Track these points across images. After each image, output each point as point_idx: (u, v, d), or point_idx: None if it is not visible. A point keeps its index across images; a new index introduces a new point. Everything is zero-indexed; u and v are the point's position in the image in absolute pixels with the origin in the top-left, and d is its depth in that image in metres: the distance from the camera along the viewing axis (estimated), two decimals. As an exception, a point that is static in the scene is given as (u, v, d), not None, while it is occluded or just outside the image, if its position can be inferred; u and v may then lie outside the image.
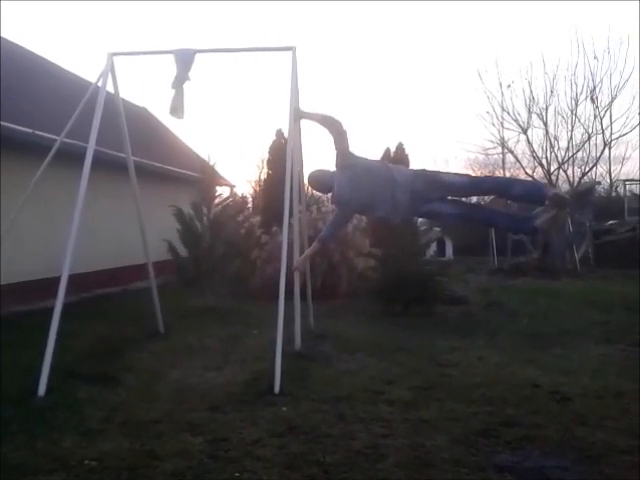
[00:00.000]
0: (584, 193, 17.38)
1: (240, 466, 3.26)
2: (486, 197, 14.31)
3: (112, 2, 36.27)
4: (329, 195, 5.44)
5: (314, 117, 5.43)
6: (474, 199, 12.83)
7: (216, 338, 6.59)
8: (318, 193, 9.35)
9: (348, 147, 5.02)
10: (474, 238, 18.49)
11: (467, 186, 4.69)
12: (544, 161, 16.60)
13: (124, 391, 4.64)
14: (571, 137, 16.55)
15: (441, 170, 5.02)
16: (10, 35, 16.39)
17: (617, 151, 22.38)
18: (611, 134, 16.89)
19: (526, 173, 18.35)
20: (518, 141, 17.46)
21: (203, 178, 9.52)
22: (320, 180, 5.32)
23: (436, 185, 4.63)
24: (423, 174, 4.78)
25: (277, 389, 4.51)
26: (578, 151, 16.57)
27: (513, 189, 4.66)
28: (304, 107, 5.71)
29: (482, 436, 3.70)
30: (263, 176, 14.38)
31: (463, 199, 4.90)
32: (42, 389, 4.46)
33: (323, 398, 4.42)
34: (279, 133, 12.53)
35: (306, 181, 6.11)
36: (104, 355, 5.73)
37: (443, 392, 4.65)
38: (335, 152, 5.03)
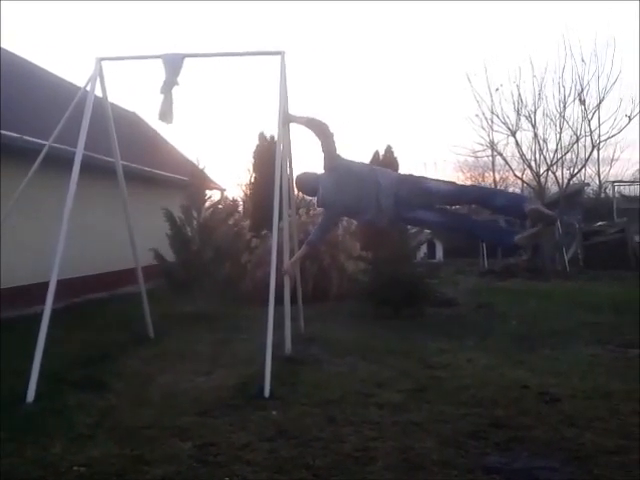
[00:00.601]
0: (573, 195, 17.50)
1: (229, 470, 3.26)
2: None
3: (101, 6, 36.21)
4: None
5: (301, 120, 5.45)
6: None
7: (206, 343, 6.57)
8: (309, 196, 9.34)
9: (335, 149, 5.03)
10: (464, 240, 18.55)
11: (451, 195, 4.67)
12: (533, 163, 16.66)
13: (113, 397, 4.62)
14: (559, 139, 16.63)
15: (428, 176, 4.99)
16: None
17: (606, 153, 22.54)
18: (599, 136, 16.98)
19: (515, 175, 18.45)
20: (507, 144, 17.53)
21: (192, 182, 9.49)
22: (306, 182, 5.36)
23: (420, 191, 4.61)
24: (408, 179, 4.76)
25: (267, 393, 4.51)
26: (567, 153, 16.65)
27: (495, 201, 4.64)
28: (294, 110, 5.74)
29: (471, 438, 3.71)
30: (253, 180, 14.39)
31: (449, 207, 4.89)
32: (31, 395, 4.44)
33: (313, 402, 4.42)
34: (262, 137, 12.56)
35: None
36: (94, 360, 5.71)
37: (433, 394, 4.65)
38: (322, 154, 5.05)
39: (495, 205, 4.68)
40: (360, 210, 4.87)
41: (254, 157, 13.06)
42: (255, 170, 13.03)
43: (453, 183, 5.04)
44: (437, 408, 4.30)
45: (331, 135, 5.05)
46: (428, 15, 40.79)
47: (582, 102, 16.29)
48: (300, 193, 7.15)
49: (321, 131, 5.08)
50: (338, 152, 5.08)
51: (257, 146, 12.83)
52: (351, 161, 5.09)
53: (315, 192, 5.24)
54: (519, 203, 4.56)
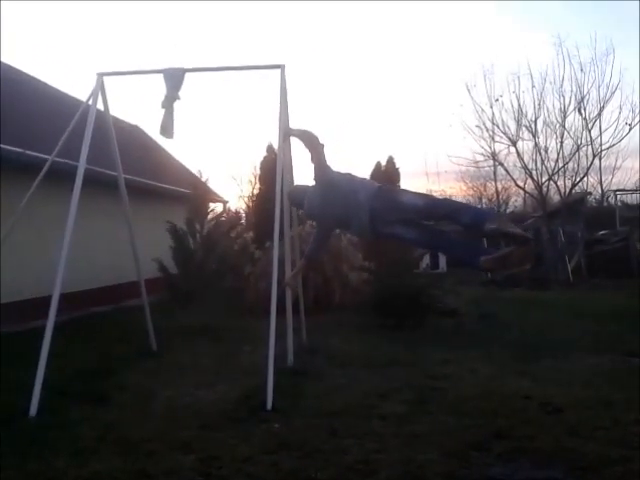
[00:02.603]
0: (575, 204, 17.48)
1: (232, 484, 3.27)
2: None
3: (102, 21, 36.49)
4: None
5: (294, 132, 5.51)
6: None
7: (209, 355, 6.58)
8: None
9: (324, 161, 5.04)
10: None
11: (423, 209, 4.51)
12: (534, 173, 16.67)
13: (116, 410, 4.63)
14: (561, 148, 16.64)
15: (406, 189, 4.96)
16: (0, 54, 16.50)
17: (607, 161, 22.48)
18: (601, 145, 16.99)
19: (517, 185, 18.45)
20: (508, 153, 17.54)
21: (195, 194, 9.54)
22: (293, 195, 5.44)
23: (394, 205, 4.54)
24: (384, 193, 4.68)
25: (269, 405, 4.51)
26: (568, 162, 16.65)
27: (462, 218, 4.31)
28: (295, 122, 5.80)
29: (474, 449, 3.70)
30: (256, 191, 14.45)
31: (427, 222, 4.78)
32: (34, 409, 4.44)
33: (315, 413, 4.43)
34: (270, 148, 12.59)
35: None
36: (96, 374, 5.71)
37: (435, 405, 4.65)
38: (312, 166, 5.08)
39: (461, 223, 4.34)
40: (348, 223, 4.85)
41: (260, 169, 13.10)
42: (261, 182, 13.07)
43: (428, 197, 4.98)
44: (440, 419, 4.30)
45: (321, 147, 5.06)
46: (427, 25, 41.01)
47: (580, 113, 16.36)
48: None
49: (310, 142, 5.12)
50: (328, 164, 5.09)
51: (264, 157, 12.87)
52: (338, 172, 5.08)
53: (302, 204, 5.28)
54: (482, 221, 4.23)
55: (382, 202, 4.58)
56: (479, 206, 23.04)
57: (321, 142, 5.10)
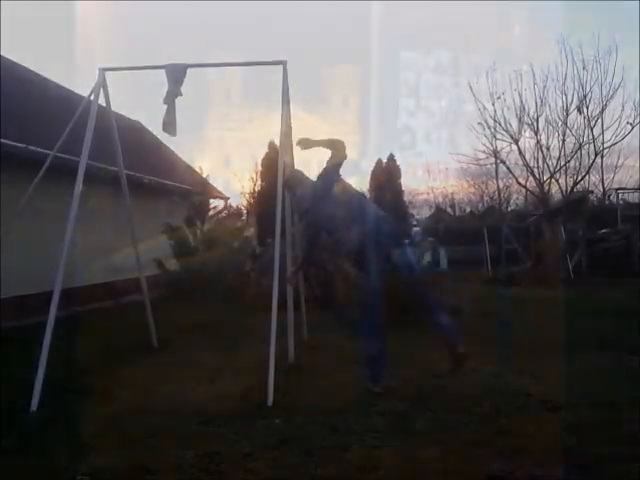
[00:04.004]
0: (576, 202, 17.47)
1: (233, 479, 3.26)
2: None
3: (104, 17, 36.40)
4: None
5: (321, 143, 5.35)
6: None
7: (210, 351, 6.58)
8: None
9: (338, 167, 5.07)
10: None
11: (410, 286, 5.31)
12: (536, 171, 16.65)
13: (117, 405, 4.63)
14: (562, 146, 16.61)
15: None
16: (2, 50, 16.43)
17: (609, 160, 22.44)
18: (603, 143, 16.97)
19: (518, 183, 18.43)
20: (510, 151, 17.52)
21: (196, 191, 9.55)
22: (289, 180, 5.48)
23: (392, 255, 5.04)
24: (386, 225, 5.03)
25: (270, 402, 4.51)
26: (569, 160, 16.63)
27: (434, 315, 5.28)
28: (294, 118, 5.79)
29: (474, 446, 3.69)
30: (257, 188, 14.44)
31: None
32: (35, 404, 4.45)
33: (316, 410, 4.41)
34: (271, 145, 12.57)
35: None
36: (97, 369, 5.71)
37: (436, 403, 4.64)
38: (325, 165, 5.08)
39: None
40: (332, 229, 5.05)
41: (262, 165, 13.10)
42: (262, 178, 13.07)
43: (422, 278, 5.29)
44: (440, 416, 4.29)
45: (344, 157, 5.06)
46: (428, 20, 40.91)
47: (580, 112, 16.34)
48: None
49: (337, 150, 5.06)
50: (338, 175, 5.14)
51: (266, 154, 12.86)
52: (349, 192, 5.21)
53: (295, 192, 5.35)
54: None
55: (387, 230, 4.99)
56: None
57: (345, 153, 5.09)
